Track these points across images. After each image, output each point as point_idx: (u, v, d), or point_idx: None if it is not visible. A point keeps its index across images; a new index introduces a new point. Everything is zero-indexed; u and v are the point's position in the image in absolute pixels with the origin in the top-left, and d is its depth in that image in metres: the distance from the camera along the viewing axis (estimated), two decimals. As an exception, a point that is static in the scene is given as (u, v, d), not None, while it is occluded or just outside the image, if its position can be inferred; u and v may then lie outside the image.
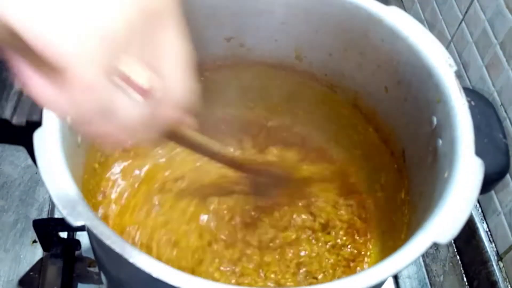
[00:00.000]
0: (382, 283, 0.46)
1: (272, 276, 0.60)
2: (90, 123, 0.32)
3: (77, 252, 0.75)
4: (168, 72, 0.33)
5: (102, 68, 0.29)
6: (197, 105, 0.36)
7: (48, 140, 0.43)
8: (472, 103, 0.53)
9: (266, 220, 0.64)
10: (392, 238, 0.59)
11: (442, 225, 0.42)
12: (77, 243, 0.75)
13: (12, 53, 0.30)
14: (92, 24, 0.28)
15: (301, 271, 0.61)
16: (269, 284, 0.60)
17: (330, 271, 0.61)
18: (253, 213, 0.64)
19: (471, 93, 0.61)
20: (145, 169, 0.66)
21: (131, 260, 0.38)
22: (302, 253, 0.62)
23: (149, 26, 0.31)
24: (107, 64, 0.29)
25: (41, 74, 0.29)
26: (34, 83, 0.30)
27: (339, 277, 0.61)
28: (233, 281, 0.59)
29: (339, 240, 0.64)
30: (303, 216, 0.64)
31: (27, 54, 0.28)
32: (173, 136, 0.44)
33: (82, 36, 0.28)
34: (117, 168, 0.64)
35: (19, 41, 0.27)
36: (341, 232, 0.64)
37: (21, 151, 0.83)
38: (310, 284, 0.60)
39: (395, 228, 0.58)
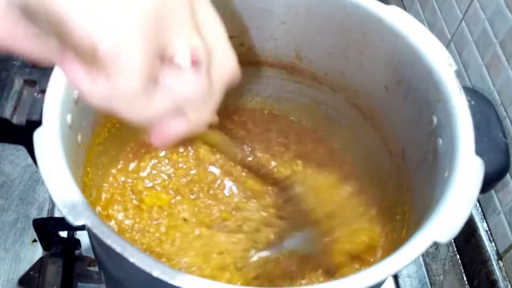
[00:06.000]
0: (382, 283, 0.46)
1: None
2: (155, 116, 0.33)
3: (77, 252, 0.75)
4: (216, 43, 0.36)
5: (148, 49, 0.30)
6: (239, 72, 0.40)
7: (48, 139, 0.43)
8: (472, 102, 0.52)
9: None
10: (392, 237, 0.59)
11: (442, 224, 0.42)
12: (77, 242, 0.75)
13: (61, 52, 0.30)
14: (126, 8, 0.29)
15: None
16: None
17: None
18: None
19: (471, 92, 0.61)
20: (145, 168, 0.66)
21: (132, 260, 0.38)
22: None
23: (185, 3, 0.33)
24: (152, 45, 0.30)
25: (90, 70, 0.30)
26: (83, 79, 0.30)
27: (337, 277, 0.61)
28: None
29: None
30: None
31: (73, 49, 0.30)
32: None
33: (119, 21, 0.29)
34: (117, 168, 0.64)
35: (62, 32, 0.28)
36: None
37: (21, 151, 0.83)
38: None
39: (395, 227, 0.58)
